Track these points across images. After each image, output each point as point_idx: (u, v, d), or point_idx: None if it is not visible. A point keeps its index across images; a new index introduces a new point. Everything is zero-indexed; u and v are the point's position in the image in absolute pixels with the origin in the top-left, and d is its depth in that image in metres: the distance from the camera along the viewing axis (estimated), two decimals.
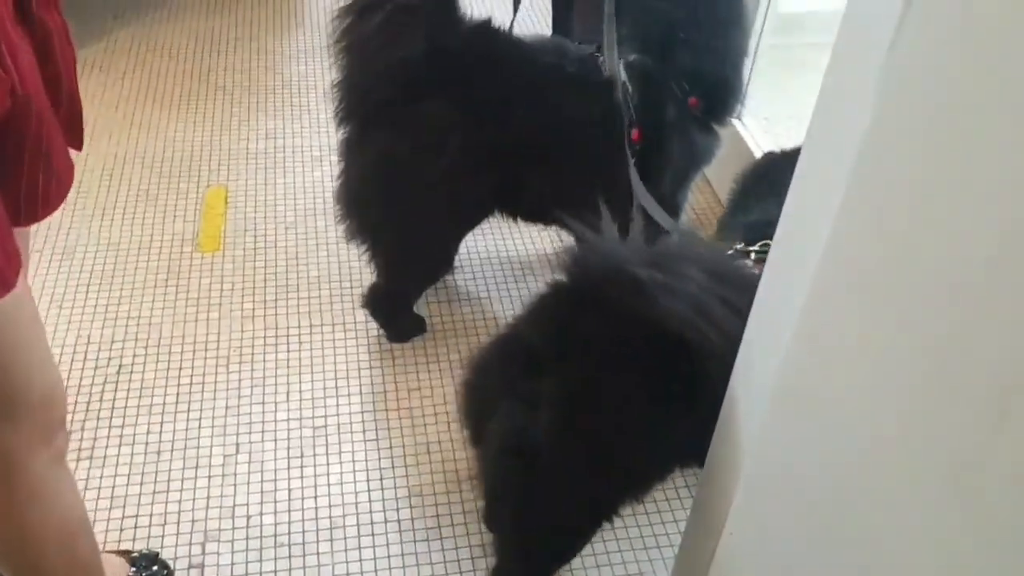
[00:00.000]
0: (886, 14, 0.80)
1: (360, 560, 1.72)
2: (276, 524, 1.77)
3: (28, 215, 1.16)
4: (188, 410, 2.00)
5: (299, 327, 2.23)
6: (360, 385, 2.08)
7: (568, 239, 2.40)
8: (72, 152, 1.25)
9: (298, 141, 2.83)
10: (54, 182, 1.19)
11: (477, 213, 2.08)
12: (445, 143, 1.81)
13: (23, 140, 1.12)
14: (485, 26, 1.87)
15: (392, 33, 1.71)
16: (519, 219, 2.17)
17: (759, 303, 1.12)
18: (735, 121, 2.68)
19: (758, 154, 2.61)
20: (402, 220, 1.96)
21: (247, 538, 1.75)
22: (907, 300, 0.81)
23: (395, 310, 2.19)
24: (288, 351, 2.16)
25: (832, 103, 0.94)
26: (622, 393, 1.28)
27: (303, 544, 1.74)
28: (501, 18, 1.94)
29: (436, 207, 1.94)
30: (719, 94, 1.97)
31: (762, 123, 2.92)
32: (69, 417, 1.96)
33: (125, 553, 1.68)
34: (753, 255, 1.52)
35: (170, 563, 1.69)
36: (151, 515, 1.78)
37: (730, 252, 1.60)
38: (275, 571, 1.70)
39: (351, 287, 2.34)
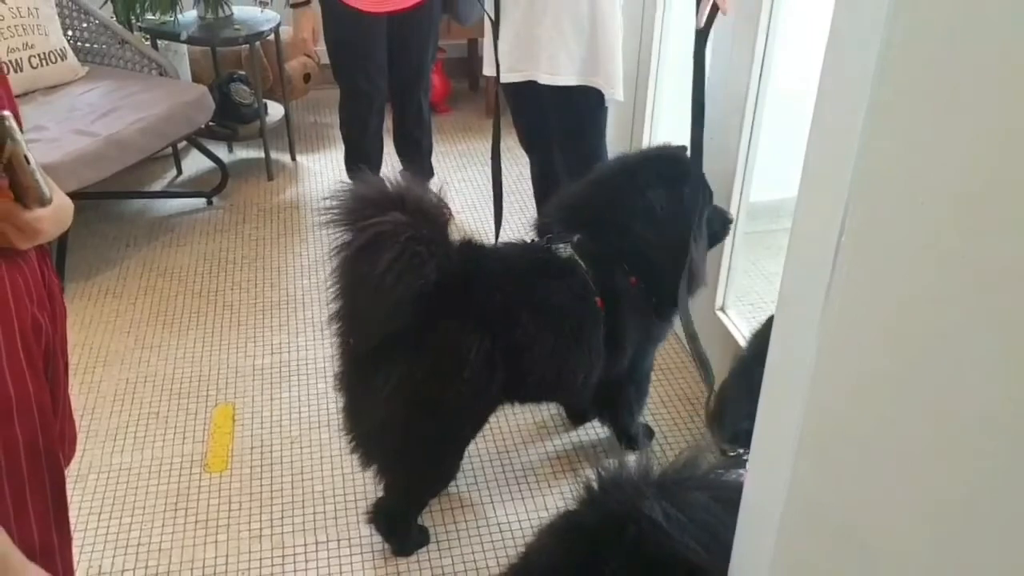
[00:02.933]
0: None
1: None
2: None
3: (67, 456, 1.28)
4: None
5: (305, 545, 2.26)
6: None
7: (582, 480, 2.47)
8: (81, 382, 1.40)
9: (302, 354, 2.96)
10: (70, 423, 1.32)
11: (489, 414, 2.18)
12: (464, 358, 1.92)
13: (59, 386, 1.24)
14: (469, 243, 2.07)
15: (411, 266, 1.78)
16: (519, 403, 2.31)
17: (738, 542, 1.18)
18: (719, 313, 2.81)
19: (742, 342, 2.71)
20: (424, 441, 2.04)
21: None
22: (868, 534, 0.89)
23: (403, 525, 2.24)
24: (295, 571, 2.19)
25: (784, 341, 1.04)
26: None
27: None
28: None
29: (457, 421, 2.06)
30: (660, 280, 2.14)
31: (745, 309, 3.05)
32: None
33: None
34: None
35: None
36: None
37: (731, 454, 1.67)
38: None
39: (355, 499, 2.40)
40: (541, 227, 2.23)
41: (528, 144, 2.99)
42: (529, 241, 2.21)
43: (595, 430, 2.65)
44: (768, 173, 2.69)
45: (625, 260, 2.15)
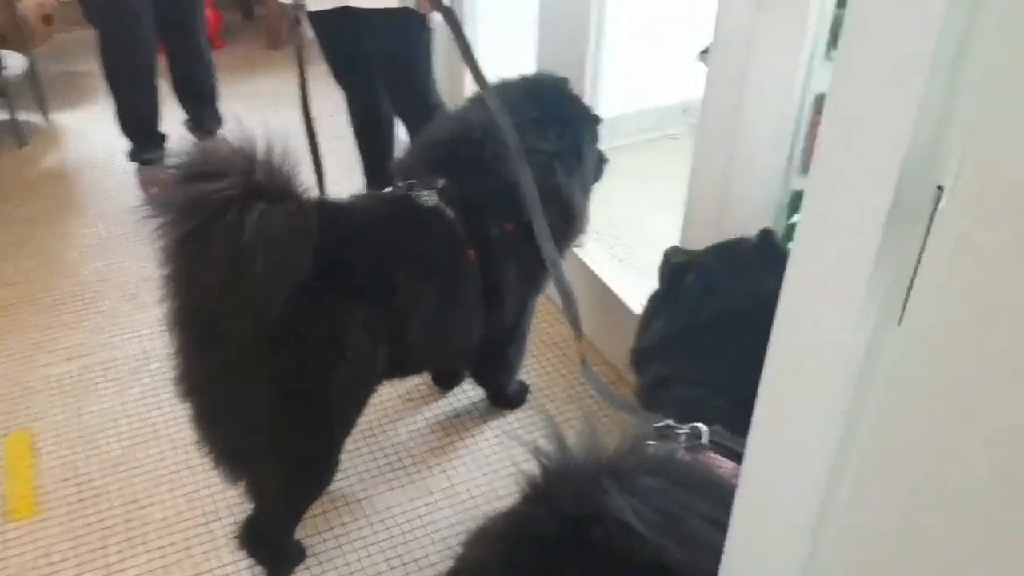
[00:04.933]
0: None
1: None
2: None
3: None
4: None
5: None
6: None
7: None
8: None
9: (107, 355, 2.49)
10: None
11: (371, 395, 1.89)
12: (345, 336, 1.65)
13: None
14: (324, 203, 1.77)
15: (290, 262, 1.49)
16: (399, 377, 2.06)
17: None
18: (574, 248, 2.60)
19: (599, 272, 2.52)
20: (305, 437, 1.74)
21: None
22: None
23: (279, 541, 1.92)
24: None
25: None
26: None
27: None
28: None
29: (341, 408, 1.78)
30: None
31: (594, 237, 2.88)
32: None
33: None
34: (683, 439, 1.40)
35: None
36: None
37: (658, 426, 1.47)
38: None
39: (207, 522, 2.03)
40: (401, 173, 1.93)
41: (345, 80, 2.60)
42: (387, 191, 1.91)
43: (466, 394, 2.40)
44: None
45: (498, 205, 1.89)
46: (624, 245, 3.01)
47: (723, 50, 1.78)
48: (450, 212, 1.85)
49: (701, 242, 2.00)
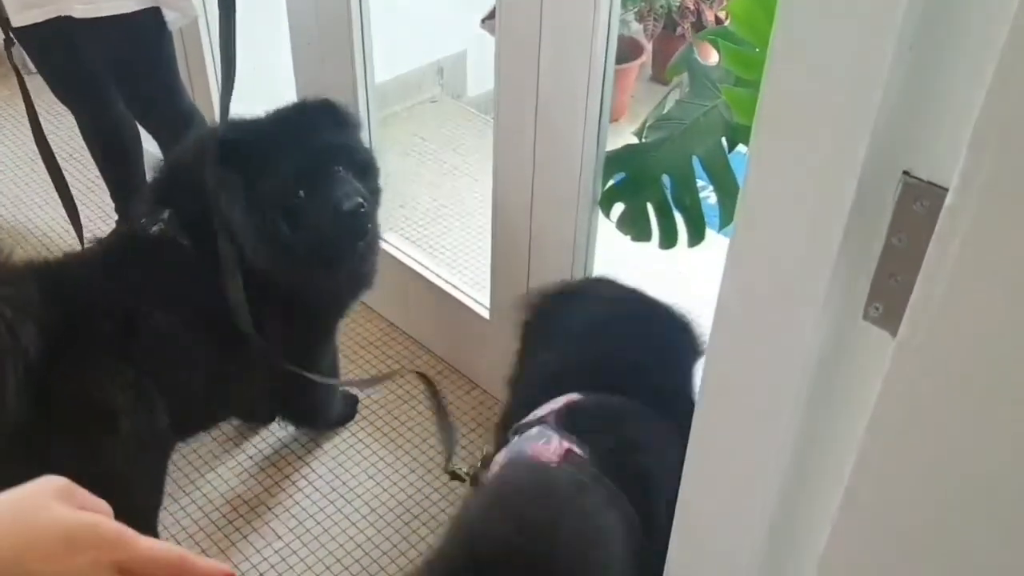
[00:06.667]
0: None
1: None
2: None
3: None
4: None
5: None
6: None
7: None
8: None
9: None
10: None
11: (166, 462, 1.80)
12: (114, 410, 1.51)
13: None
14: (35, 268, 1.56)
15: (10, 349, 1.31)
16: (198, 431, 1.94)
17: None
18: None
19: (412, 264, 2.36)
20: None
21: None
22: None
23: None
24: None
25: None
26: None
27: None
28: None
29: (134, 482, 1.66)
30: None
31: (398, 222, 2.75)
32: None
33: None
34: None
35: None
36: None
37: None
38: None
39: None
40: (124, 209, 1.76)
41: (75, 102, 2.24)
42: (114, 232, 1.74)
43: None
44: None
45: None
46: (414, 224, 2.89)
47: (511, 12, 1.70)
48: (185, 241, 1.68)
49: (515, 220, 1.93)
